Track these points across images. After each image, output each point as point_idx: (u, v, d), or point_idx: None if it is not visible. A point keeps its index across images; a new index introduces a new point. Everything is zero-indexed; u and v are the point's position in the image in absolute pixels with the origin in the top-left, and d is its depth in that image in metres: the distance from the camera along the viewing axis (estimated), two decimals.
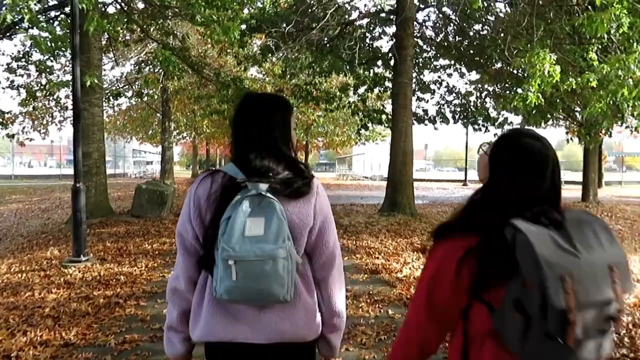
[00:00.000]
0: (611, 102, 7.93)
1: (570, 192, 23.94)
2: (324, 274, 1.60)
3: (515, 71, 12.56)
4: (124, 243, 8.13)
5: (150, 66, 17.67)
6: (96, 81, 9.38)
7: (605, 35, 9.21)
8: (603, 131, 13.20)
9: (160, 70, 18.68)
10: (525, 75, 8.97)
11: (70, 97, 10.81)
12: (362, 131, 18.82)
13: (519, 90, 14.46)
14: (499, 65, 13.72)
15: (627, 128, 14.10)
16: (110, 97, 8.99)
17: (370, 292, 5.23)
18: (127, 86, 20.79)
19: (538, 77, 7.26)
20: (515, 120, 15.75)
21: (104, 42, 14.11)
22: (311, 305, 1.55)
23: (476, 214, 1.31)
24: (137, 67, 17.13)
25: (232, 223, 1.39)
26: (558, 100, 10.26)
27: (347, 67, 13.42)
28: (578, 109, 13.49)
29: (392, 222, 10.63)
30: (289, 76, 14.85)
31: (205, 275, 1.54)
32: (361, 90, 15.50)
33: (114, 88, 9.22)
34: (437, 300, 1.28)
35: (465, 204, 1.36)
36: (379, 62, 15.11)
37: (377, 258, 7.07)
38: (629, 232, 11.48)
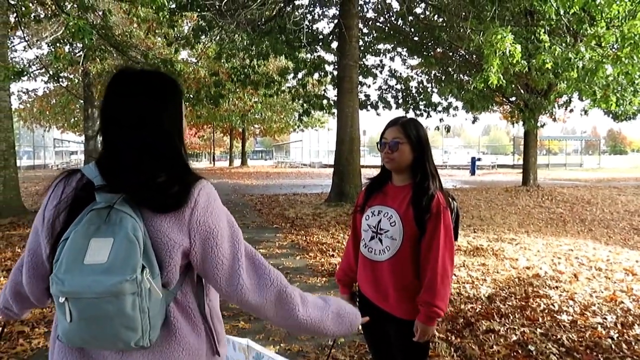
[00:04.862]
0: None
1: (507, 176, 24.69)
2: (237, 300, 1.23)
3: (463, 53, 12.28)
4: None
5: (68, 45, 15.94)
6: None
7: (554, 17, 9.03)
8: (547, 114, 13.28)
9: (80, 53, 17.03)
10: (477, 56, 8.61)
11: None
12: (303, 117, 18.11)
13: (462, 76, 14.55)
14: (445, 48, 13.43)
15: (571, 111, 14.31)
16: (12, 77, 7.59)
17: None
18: (42, 69, 18.83)
19: (497, 57, 6.84)
20: (460, 105, 15.60)
21: (12, 19, 12.51)
22: (194, 345, 1.21)
23: None
24: (53, 48, 15.37)
25: (68, 246, 1.07)
26: (506, 84, 10.01)
27: (287, 50, 12.60)
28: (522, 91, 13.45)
29: (340, 213, 10.05)
30: (224, 59, 13.83)
31: None
32: (300, 74, 14.74)
33: (17, 67, 7.84)
34: None
35: None
36: (320, 45, 14.40)
37: (333, 256, 6.42)
38: (570, 216, 11.62)
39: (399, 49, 15.56)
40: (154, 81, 1.27)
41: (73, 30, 6.76)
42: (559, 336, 3.67)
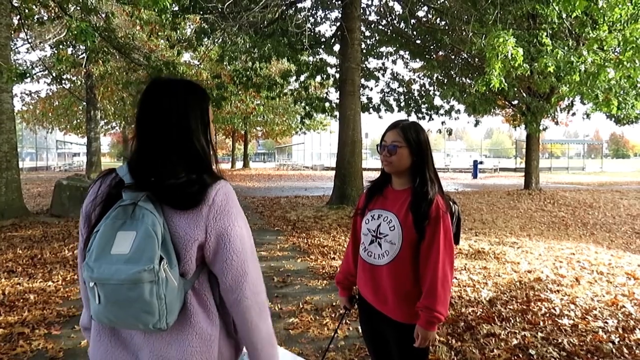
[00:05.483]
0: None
1: (509, 180, 24.64)
2: (235, 296, 1.32)
3: (465, 56, 12.27)
4: (39, 249, 6.99)
5: (71, 47, 15.99)
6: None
7: (556, 20, 9.03)
8: (550, 118, 13.26)
9: (83, 55, 17.06)
10: (479, 59, 8.61)
11: None
12: (305, 120, 18.09)
13: (464, 79, 14.55)
14: (447, 51, 13.42)
15: (573, 115, 14.29)
16: (15, 79, 7.61)
17: (334, 304, 4.55)
18: (45, 71, 18.87)
19: (499, 60, 6.83)
20: (462, 108, 15.57)
21: (15, 21, 12.55)
22: (207, 330, 1.32)
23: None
24: (55, 50, 15.40)
25: (98, 237, 1.22)
26: (508, 87, 10.00)
27: (290, 52, 12.58)
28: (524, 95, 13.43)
29: (342, 216, 10.04)
30: (226, 61, 13.83)
31: None
32: (302, 77, 14.75)
33: (20, 68, 7.81)
34: None
35: None
36: (322, 48, 14.41)
37: (334, 259, 6.42)
38: (572, 219, 11.60)
39: (401, 52, 15.55)
40: (182, 87, 1.39)
41: (76, 32, 6.77)
42: (559, 340, 3.66)
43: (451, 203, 2.15)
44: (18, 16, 11.72)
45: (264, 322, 1.37)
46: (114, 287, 1.17)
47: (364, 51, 14.79)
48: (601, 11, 7.79)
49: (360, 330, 3.76)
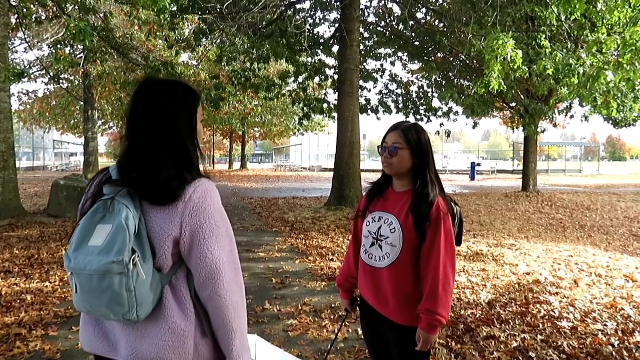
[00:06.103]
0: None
1: (507, 182, 24.67)
2: (208, 293, 1.34)
3: (463, 58, 12.28)
4: (36, 250, 6.96)
5: (69, 47, 15.95)
6: None
7: (555, 23, 9.05)
8: (548, 120, 13.28)
9: (81, 55, 17.01)
10: (478, 61, 8.61)
11: None
12: (303, 121, 18.08)
13: (463, 81, 14.57)
14: (445, 53, 13.44)
15: (572, 117, 14.33)
16: (12, 78, 7.60)
17: (333, 305, 4.53)
18: (43, 70, 18.79)
19: (499, 63, 6.84)
20: (460, 110, 15.57)
21: (13, 20, 12.52)
22: (180, 325, 1.32)
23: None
24: (53, 49, 15.34)
25: (79, 229, 1.28)
26: (507, 89, 10.00)
27: (288, 53, 12.57)
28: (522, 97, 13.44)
29: (340, 217, 10.02)
30: (225, 62, 13.81)
31: None
32: (301, 78, 14.75)
33: (17, 68, 7.78)
34: None
35: None
36: (321, 49, 14.40)
37: (333, 260, 6.40)
38: (570, 222, 11.61)
39: (400, 54, 15.57)
40: (172, 88, 1.43)
41: (74, 32, 6.76)
42: (559, 343, 3.65)
43: (453, 204, 2.14)
44: (16, 15, 11.70)
45: (237, 322, 1.37)
46: (86, 277, 1.23)
47: (363, 53, 14.78)
48: (600, 14, 7.82)
49: (360, 333, 3.75)
